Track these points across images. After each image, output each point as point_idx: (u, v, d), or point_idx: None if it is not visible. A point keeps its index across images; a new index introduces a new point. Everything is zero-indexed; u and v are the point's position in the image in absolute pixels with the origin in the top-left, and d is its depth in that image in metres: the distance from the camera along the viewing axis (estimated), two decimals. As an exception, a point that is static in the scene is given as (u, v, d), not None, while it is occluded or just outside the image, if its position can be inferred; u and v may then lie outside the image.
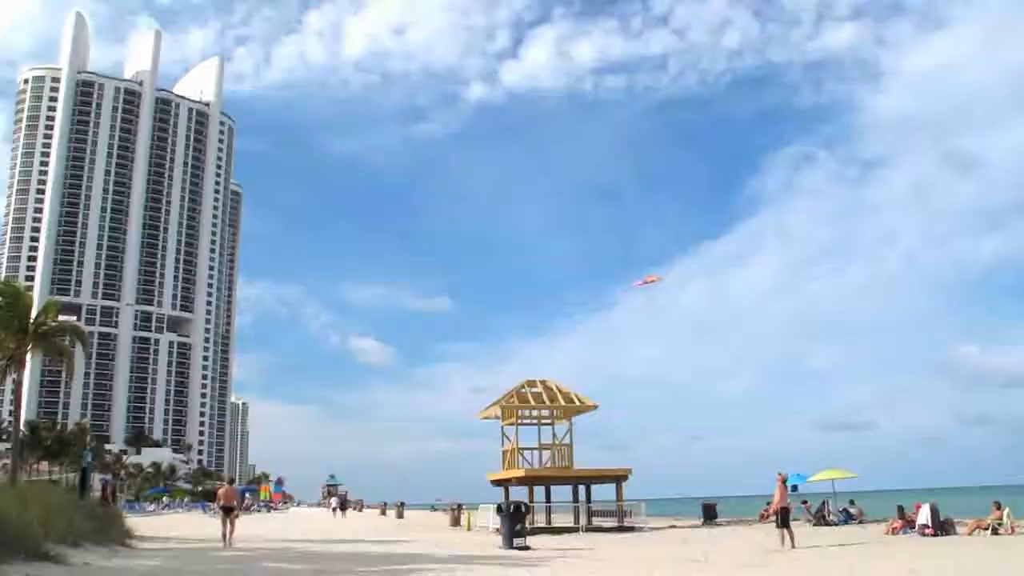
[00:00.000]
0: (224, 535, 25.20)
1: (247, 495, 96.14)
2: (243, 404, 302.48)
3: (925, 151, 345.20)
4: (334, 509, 74.24)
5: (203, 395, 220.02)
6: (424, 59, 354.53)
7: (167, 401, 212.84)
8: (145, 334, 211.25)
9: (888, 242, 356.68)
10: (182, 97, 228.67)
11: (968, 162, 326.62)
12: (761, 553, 21.73)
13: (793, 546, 22.83)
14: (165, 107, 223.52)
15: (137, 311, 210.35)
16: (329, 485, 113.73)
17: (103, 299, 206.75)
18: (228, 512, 25.37)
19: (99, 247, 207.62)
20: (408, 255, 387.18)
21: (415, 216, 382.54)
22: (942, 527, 27.38)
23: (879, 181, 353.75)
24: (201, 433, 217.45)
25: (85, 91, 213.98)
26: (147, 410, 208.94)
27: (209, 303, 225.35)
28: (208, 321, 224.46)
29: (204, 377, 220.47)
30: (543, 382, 41.31)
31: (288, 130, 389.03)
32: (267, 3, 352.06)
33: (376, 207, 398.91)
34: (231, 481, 31.93)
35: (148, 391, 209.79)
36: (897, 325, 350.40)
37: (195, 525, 46.12)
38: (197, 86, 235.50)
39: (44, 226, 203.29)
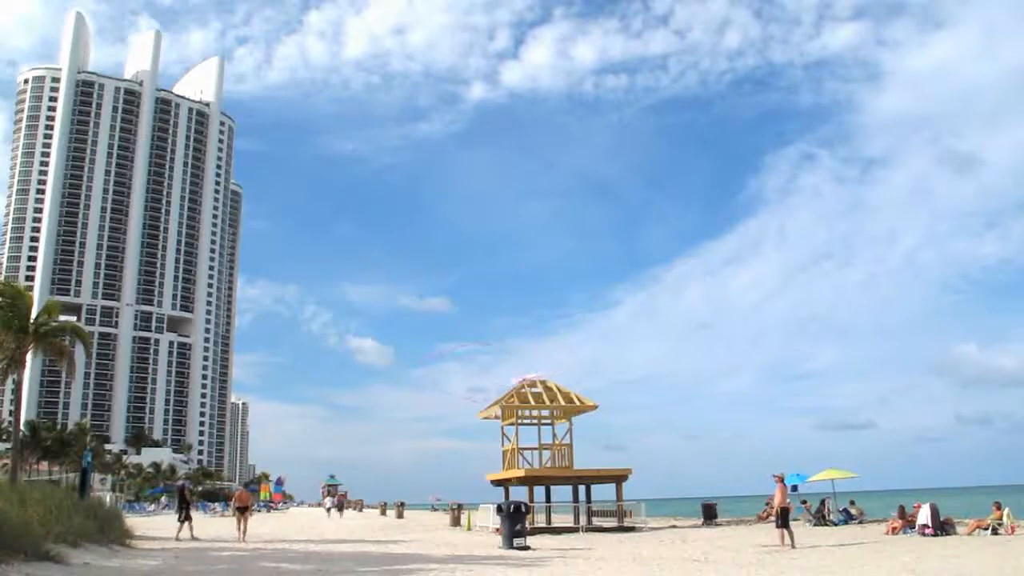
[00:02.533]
0: (240, 531, 28.66)
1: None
2: (243, 404, 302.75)
3: (925, 151, 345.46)
4: (328, 509, 69.75)
5: (203, 395, 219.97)
6: (425, 59, 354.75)
7: (167, 401, 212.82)
8: (145, 334, 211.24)
9: (888, 242, 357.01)
10: (182, 97, 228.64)
11: (968, 162, 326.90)
12: (761, 553, 21.73)
13: (793, 546, 22.84)
14: (165, 107, 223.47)
15: (137, 311, 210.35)
16: (329, 485, 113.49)
17: (103, 299, 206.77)
18: (243, 511, 29.50)
19: (99, 247, 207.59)
20: (408, 255, 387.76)
21: (415, 216, 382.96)
22: (942, 527, 27.39)
23: (879, 181, 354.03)
24: (201, 433, 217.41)
25: (85, 91, 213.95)
26: (147, 410, 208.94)
27: (209, 303, 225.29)
28: (208, 321, 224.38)
29: (204, 377, 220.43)
30: (543, 382, 41.30)
31: (288, 130, 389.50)
32: (268, 3, 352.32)
33: (376, 207, 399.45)
34: (246, 485, 34.92)
35: (148, 391, 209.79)
36: (897, 325, 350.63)
37: (195, 525, 46.07)
38: (197, 86, 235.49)
39: (44, 226, 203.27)
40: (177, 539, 26.77)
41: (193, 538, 27.56)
